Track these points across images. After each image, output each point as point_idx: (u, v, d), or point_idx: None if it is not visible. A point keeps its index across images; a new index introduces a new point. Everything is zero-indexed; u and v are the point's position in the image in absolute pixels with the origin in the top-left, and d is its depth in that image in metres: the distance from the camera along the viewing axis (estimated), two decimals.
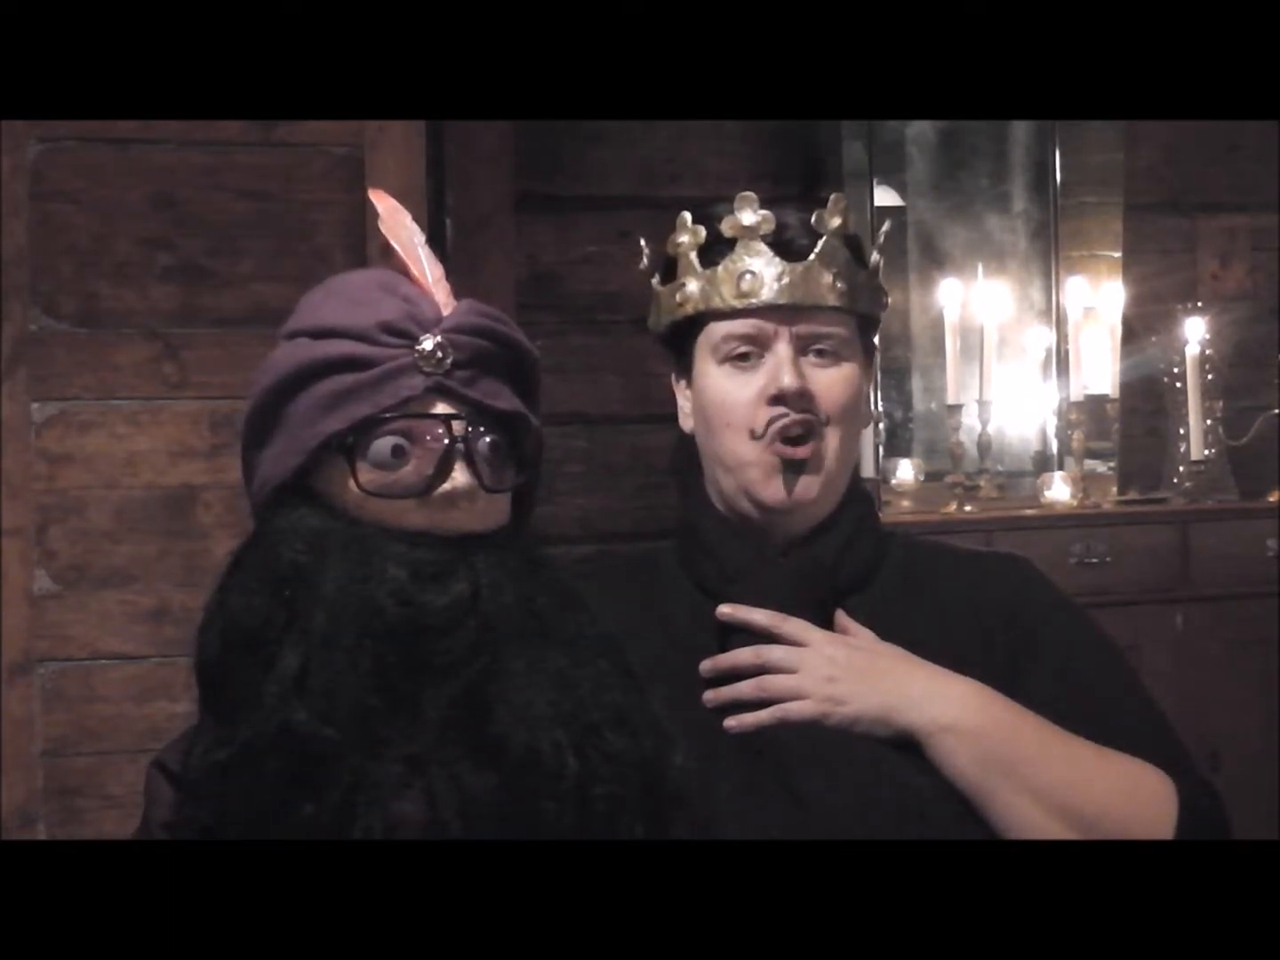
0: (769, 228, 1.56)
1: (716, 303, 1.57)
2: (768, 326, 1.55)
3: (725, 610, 1.54)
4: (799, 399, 1.54)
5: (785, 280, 1.54)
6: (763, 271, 1.55)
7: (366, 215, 2.43)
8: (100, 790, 2.25)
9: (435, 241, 2.53)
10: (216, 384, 2.31)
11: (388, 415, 1.24)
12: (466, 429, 1.25)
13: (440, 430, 1.25)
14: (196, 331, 2.31)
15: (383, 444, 1.24)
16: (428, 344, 1.25)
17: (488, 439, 1.26)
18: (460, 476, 1.24)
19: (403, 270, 1.33)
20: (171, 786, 1.27)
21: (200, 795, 1.21)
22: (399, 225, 1.35)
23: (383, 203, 1.37)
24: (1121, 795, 1.48)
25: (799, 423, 1.54)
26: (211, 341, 2.31)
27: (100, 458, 2.29)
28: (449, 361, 1.25)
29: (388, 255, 1.35)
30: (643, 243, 1.66)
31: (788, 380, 1.53)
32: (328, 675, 1.19)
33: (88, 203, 2.30)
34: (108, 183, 2.30)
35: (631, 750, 1.24)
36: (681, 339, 1.62)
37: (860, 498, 1.64)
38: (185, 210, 2.33)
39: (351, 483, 1.25)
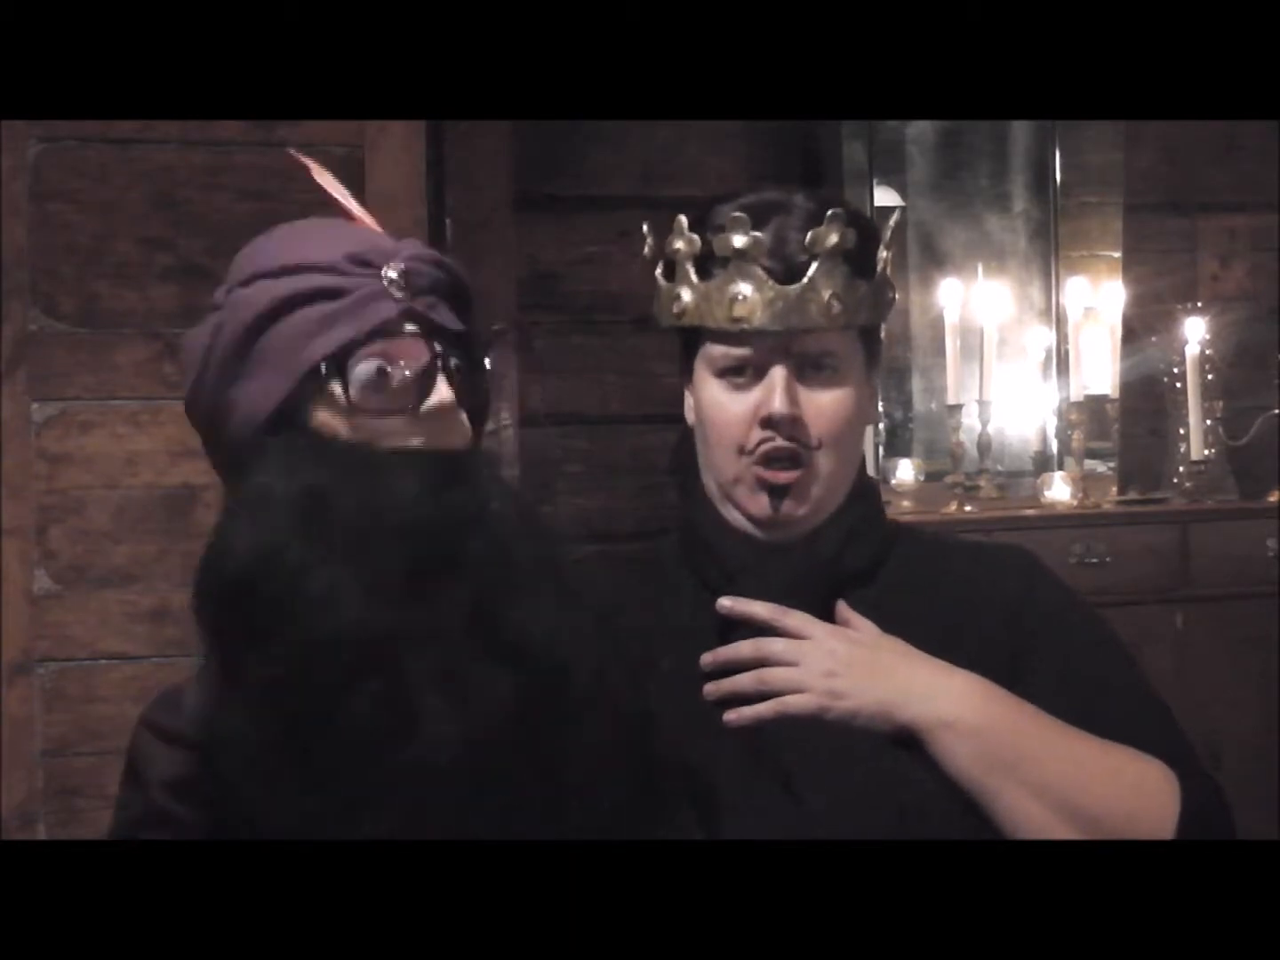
0: (760, 250, 1.53)
1: (710, 322, 1.55)
2: (762, 348, 1.54)
3: (726, 603, 1.54)
4: (789, 425, 1.53)
5: (778, 305, 1.52)
6: (755, 295, 1.52)
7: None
8: (100, 790, 2.26)
9: (435, 241, 2.53)
10: None
11: (368, 338, 1.30)
12: (438, 348, 1.31)
13: (419, 349, 1.31)
14: None
15: (367, 366, 1.30)
16: (393, 271, 1.31)
17: (454, 359, 1.33)
18: (444, 391, 1.30)
19: (344, 216, 1.39)
20: (169, 745, 1.28)
21: (230, 737, 1.21)
22: (329, 180, 1.43)
23: (306, 159, 1.44)
24: (1124, 791, 1.48)
25: (785, 450, 1.54)
26: None
27: (100, 458, 2.29)
28: (413, 287, 1.32)
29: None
30: (645, 228, 1.65)
31: (778, 406, 1.52)
32: (357, 589, 1.20)
33: (88, 203, 2.30)
34: (108, 183, 2.31)
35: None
36: (683, 340, 1.62)
37: (865, 492, 1.64)
38: (185, 210, 2.33)
39: (342, 406, 1.29)
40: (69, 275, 2.29)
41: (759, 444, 1.53)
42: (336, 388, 1.29)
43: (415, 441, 1.29)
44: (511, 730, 1.19)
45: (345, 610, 1.20)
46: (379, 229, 1.39)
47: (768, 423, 1.53)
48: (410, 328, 1.31)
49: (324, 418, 1.30)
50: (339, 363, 1.29)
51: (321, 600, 1.20)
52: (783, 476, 1.54)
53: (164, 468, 2.30)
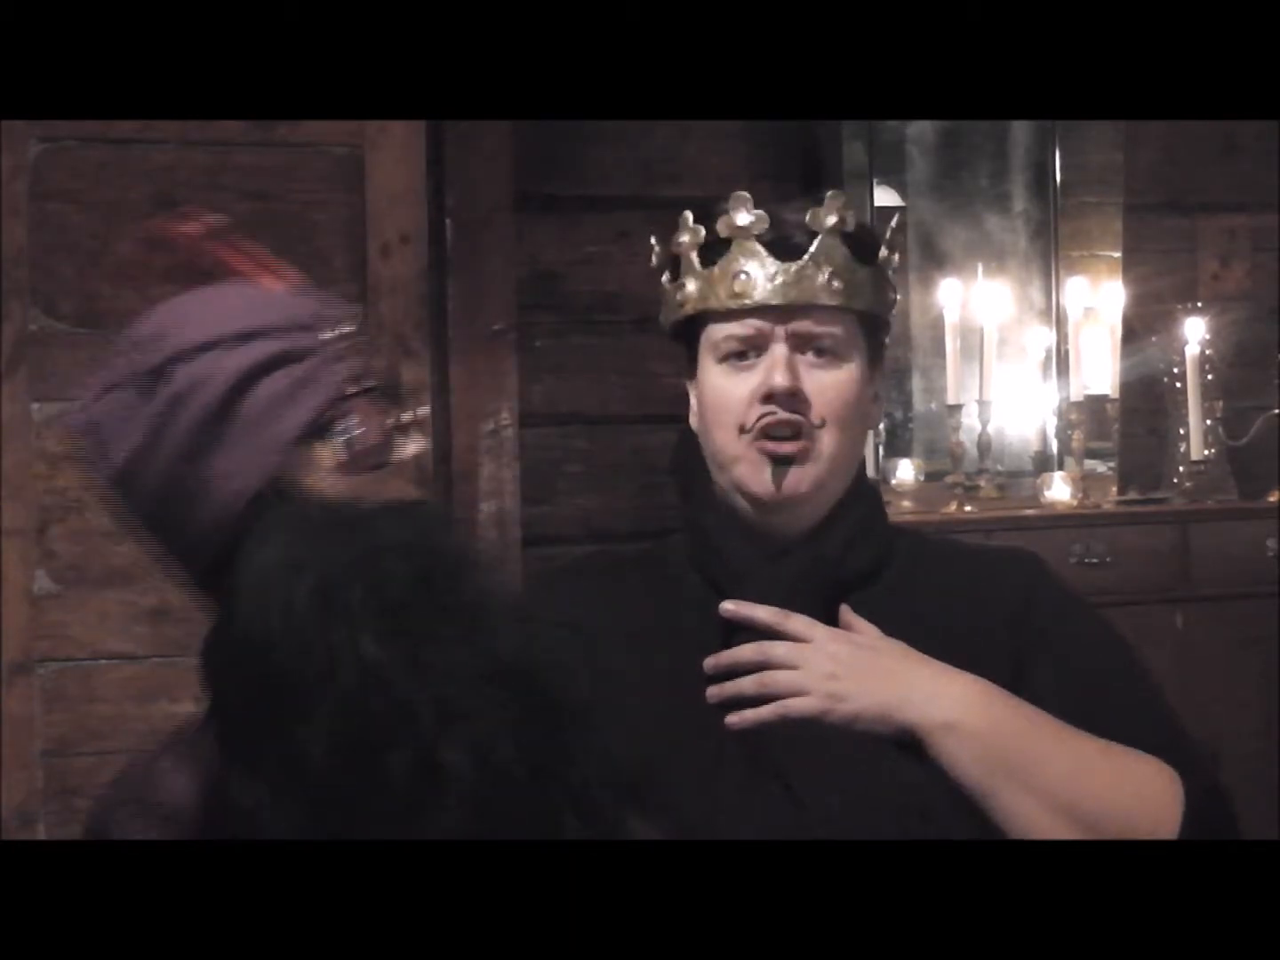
0: (763, 227, 1.55)
1: (713, 303, 1.57)
2: (764, 326, 1.55)
3: (728, 607, 1.54)
4: (789, 399, 1.53)
5: (779, 280, 1.54)
6: (756, 272, 1.54)
7: (367, 215, 2.44)
8: (100, 790, 2.25)
9: (435, 241, 2.54)
10: None
11: (340, 399, 1.32)
12: (403, 403, 1.37)
13: (369, 405, 1.34)
14: None
15: (344, 426, 1.32)
16: (341, 331, 1.34)
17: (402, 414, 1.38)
18: (412, 443, 1.36)
19: (254, 276, 1.39)
20: (163, 822, 1.27)
21: (252, 807, 1.21)
22: (220, 240, 1.42)
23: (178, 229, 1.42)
24: (1126, 793, 1.48)
25: (786, 422, 1.54)
26: None
27: None
28: (355, 346, 1.35)
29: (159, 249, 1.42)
30: (653, 240, 1.66)
31: (779, 380, 1.53)
32: (398, 649, 1.23)
33: (88, 203, 2.30)
34: (108, 183, 2.31)
35: None
36: (686, 337, 1.63)
37: (866, 493, 1.64)
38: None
39: (328, 468, 1.31)
40: (69, 275, 2.29)
41: (760, 418, 1.54)
42: (323, 451, 1.31)
43: (396, 491, 1.33)
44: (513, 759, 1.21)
45: (395, 670, 1.21)
46: (298, 282, 1.40)
47: (769, 397, 1.53)
48: (358, 386, 1.34)
49: (311, 481, 1.31)
50: (318, 427, 1.31)
51: (373, 662, 1.21)
52: (785, 446, 1.54)
53: None
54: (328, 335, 1.33)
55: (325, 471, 1.31)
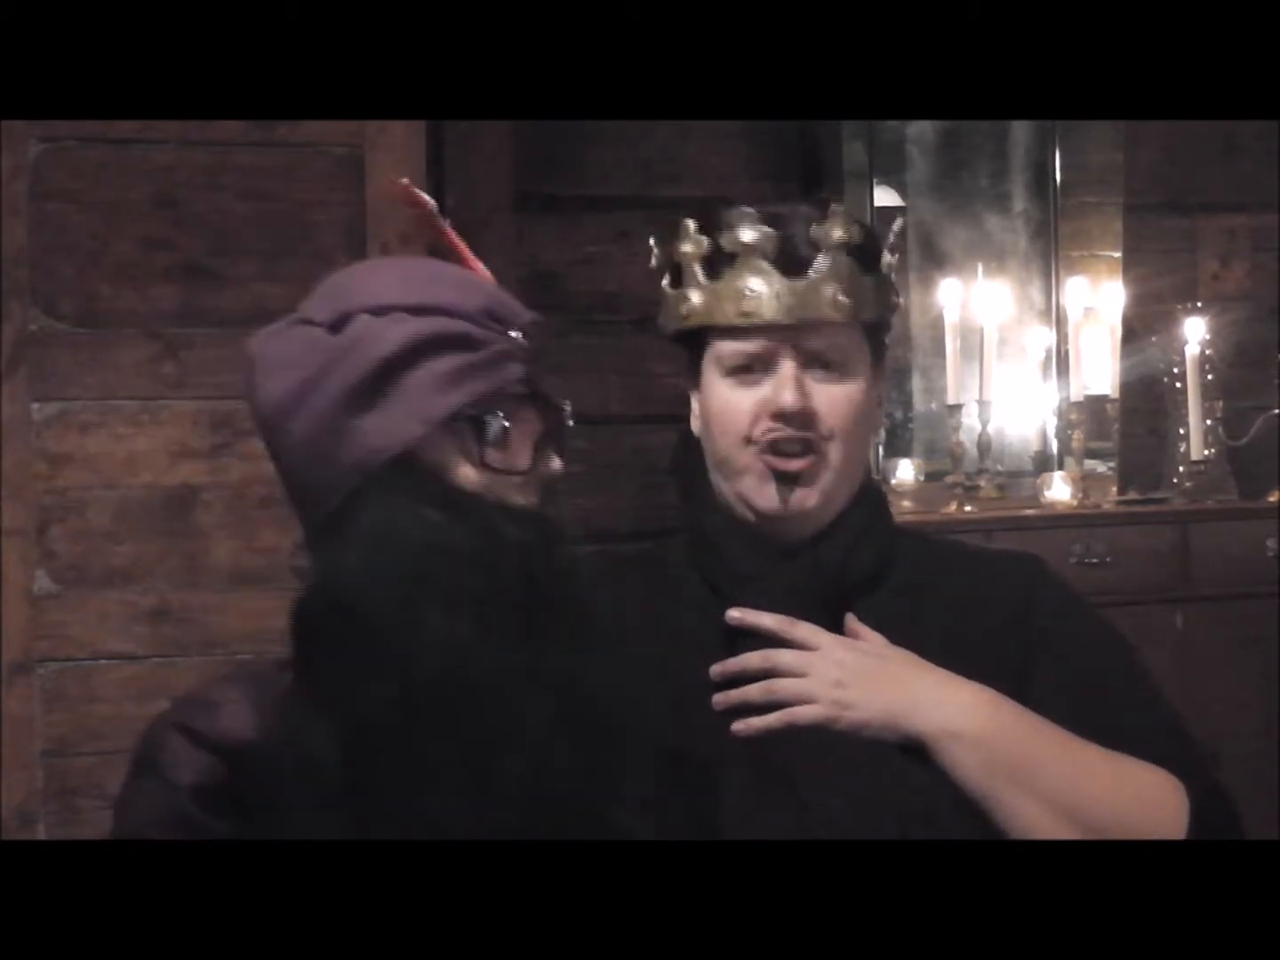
0: (769, 245, 1.54)
1: (719, 319, 1.55)
2: (771, 344, 1.54)
3: (734, 615, 1.53)
4: (799, 417, 1.53)
5: (787, 298, 1.52)
6: (763, 289, 1.53)
7: (367, 215, 2.44)
8: (100, 790, 2.25)
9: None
10: (216, 384, 2.31)
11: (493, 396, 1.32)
12: (562, 415, 1.36)
13: (529, 412, 1.34)
14: (196, 331, 2.31)
15: (498, 423, 1.32)
16: (521, 333, 1.34)
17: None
18: (558, 460, 1.37)
19: (451, 259, 1.43)
20: (202, 750, 1.28)
21: (304, 757, 1.21)
22: (442, 222, 1.42)
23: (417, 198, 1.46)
24: (1130, 801, 1.48)
25: (796, 439, 1.53)
26: (211, 341, 2.31)
27: (100, 458, 2.29)
28: (532, 351, 1.35)
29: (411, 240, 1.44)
30: (652, 242, 1.66)
31: (788, 399, 1.52)
32: (466, 637, 1.23)
33: (88, 203, 2.30)
34: (108, 183, 2.30)
35: None
36: (689, 345, 1.62)
37: (871, 497, 1.63)
38: (185, 210, 2.33)
39: (471, 457, 1.31)
40: (69, 275, 2.29)
41: (767, 433, 1.53)
42: (469, 441, 1.31)
43: (522, 500, 1.33)
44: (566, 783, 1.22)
45: (452, 655, 1.22)
46: (490, 276, 1.42)
47: (779, 416, 1.53)
48: (522, 390, 1.34)
49: (450, 465, 1.31)
50: (472, 417, 1.31)
51: (434, 643, 1.22)
52: (793, 464, 1.53)
53: (164, 468, 2.30)
54: (513, 334, 1.33)
55: (464, 460, 1.31)
